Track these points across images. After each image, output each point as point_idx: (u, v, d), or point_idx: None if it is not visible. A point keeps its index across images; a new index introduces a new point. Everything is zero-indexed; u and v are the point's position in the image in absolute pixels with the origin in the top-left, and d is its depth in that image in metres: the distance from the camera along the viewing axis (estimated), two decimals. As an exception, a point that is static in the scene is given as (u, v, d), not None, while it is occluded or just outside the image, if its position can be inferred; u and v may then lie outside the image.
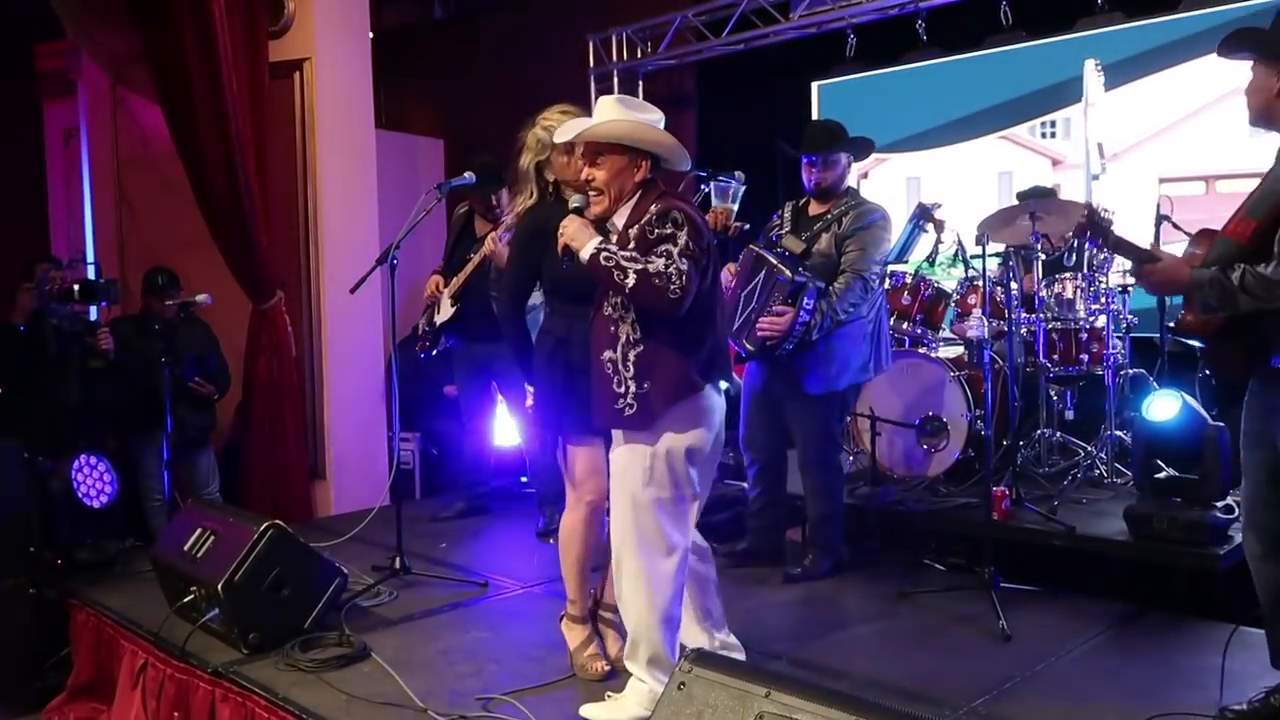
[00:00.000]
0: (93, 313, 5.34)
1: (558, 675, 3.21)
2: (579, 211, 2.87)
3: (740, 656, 3.06)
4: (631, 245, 2.74)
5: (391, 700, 3.03)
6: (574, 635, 3.28)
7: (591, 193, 2.85)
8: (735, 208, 3.54)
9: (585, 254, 2.74)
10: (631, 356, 2.76)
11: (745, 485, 4.59)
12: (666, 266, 2.65)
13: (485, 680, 3.19)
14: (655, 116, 2.87)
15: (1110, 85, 5.68)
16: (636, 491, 2.80)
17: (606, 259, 2.70)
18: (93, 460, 4.70)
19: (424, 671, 3.26)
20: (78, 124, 7.49)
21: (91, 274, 5.47)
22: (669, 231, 2.69)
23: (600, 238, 2.77)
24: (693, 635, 3.07)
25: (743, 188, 3.61)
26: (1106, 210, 3.34)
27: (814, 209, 4.23)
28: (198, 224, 5.55)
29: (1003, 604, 3.59)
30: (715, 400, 2.88)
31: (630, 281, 2.66)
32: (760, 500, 4.39)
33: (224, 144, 5.31)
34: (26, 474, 4.24)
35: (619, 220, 2.86)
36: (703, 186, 4.06)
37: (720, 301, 2.97)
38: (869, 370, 4.17)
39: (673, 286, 2.63)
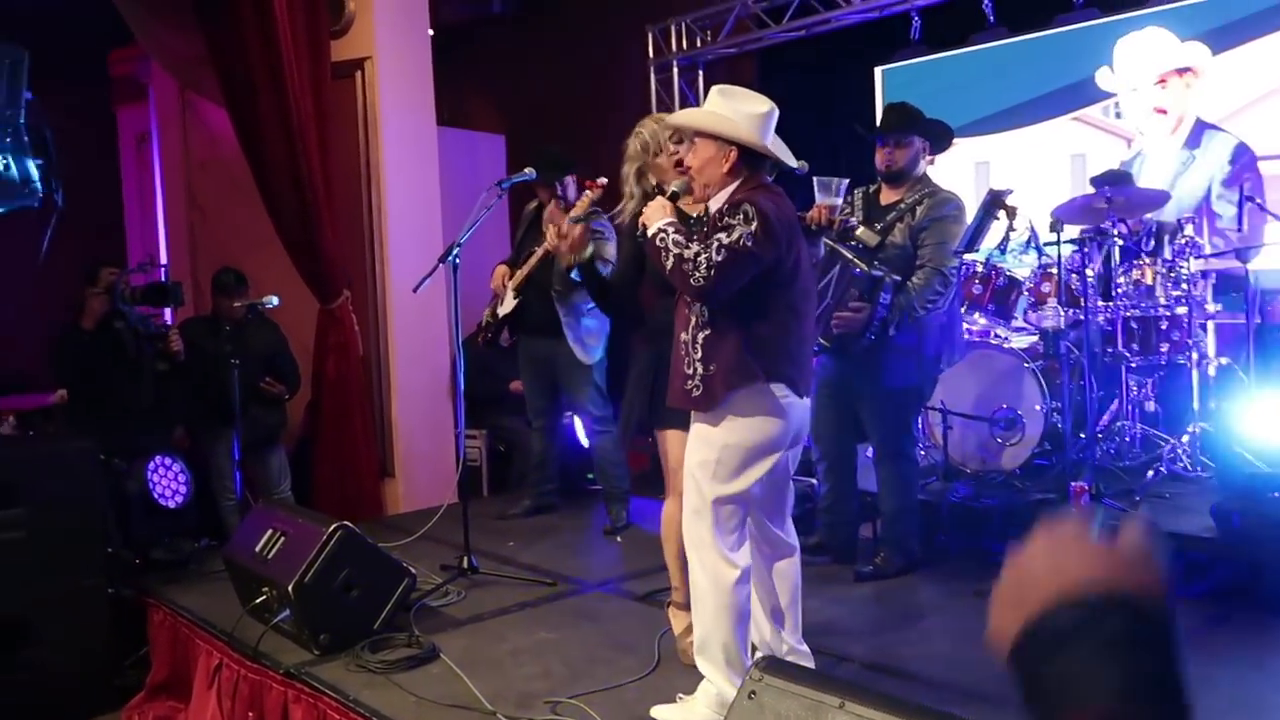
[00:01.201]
0: (168, 315, 5.44)
1: (626, 676, 3.18)
2: (675, 195, 2.96)
3: (809, 665, 3.00)
4: (706, 230, 2.81)
5: (460, 702, 3.03)
6: (678, 621, 3.32)
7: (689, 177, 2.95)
8: (839, 202, 3.48)
9: (650, 232, 2.84)
10: (700, 339, 2.81)
11: (814, 481, 4.52)
12: (698, 255, 2.69)
13: (553, 681, 3.18)
14: (751, 108, 2.84)
15: (1189, 62, 5.48)
16: (705, 485, 2.81)
17: (660, 240, 2.79)
18: (167, 461, 4.79)
19: (492, 673, 3.25)
20: (149, 128, 7.65)
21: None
22: (731, 222, 2.71)
23: (669, 219, 2.84)
24: (762, 635, 3.03)
25: (846, 182, 3.53)
26: None
27: (886, 196, 4.14)
28: (266, 225, 5.61)
29: (1084, 604, 3.46)
30: (786, 400, 2.82)
31: (668, 264, 2.76)
32: (830, 496, 4.32)
33: (288, 144, 5.36)
34: (103, 475, 4.32)
35: (714, 207, 2.89)
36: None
37: (800, 307, 2.89)
38: (943, 361, 4.08)
39: (697, 274, 2.68)
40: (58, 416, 5.25)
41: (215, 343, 5.13)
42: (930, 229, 3.93)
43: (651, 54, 7.18)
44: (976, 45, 6.17)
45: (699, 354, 2.80)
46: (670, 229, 2.79)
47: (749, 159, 2.85)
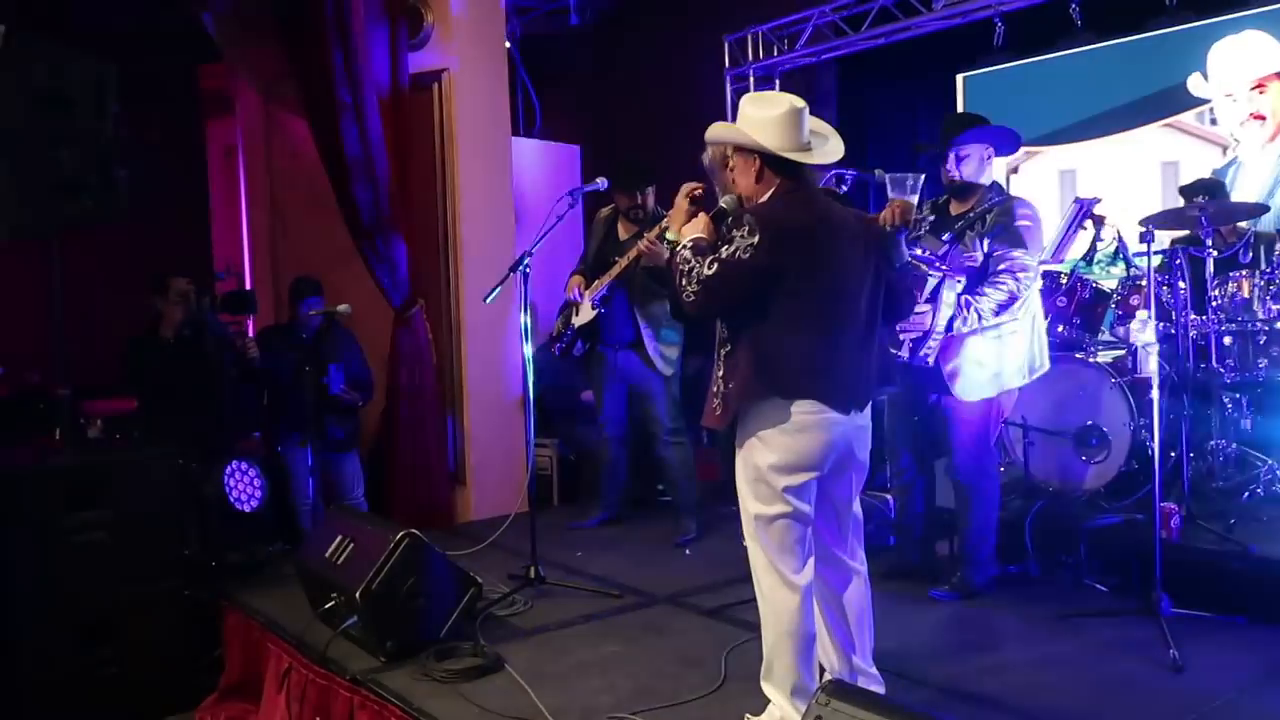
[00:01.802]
0: (249, 323, 5.55)
1: (692, 693, 3.12)
2: (722, 213, 2.92)
3: (879, 690, 2.90)
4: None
5: (523, 715, 3.01)
6: None
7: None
8: (915, 200, 3.37)
9: (678, 249, 2.86)
10: (722, 355, 2.80)
11: (889, 497, 4.40)
12: (692, 270, 2.70)
13: (618, 696, 3.14)
14: (769, 112, 2.77)
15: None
16: (749, 508, 2.79)
17: (678, 254, 2.80)
18: (244, 466, 4.87)
19: (556, 685, 3.22)
20: (236, 140, 7.83)
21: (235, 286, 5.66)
22: (732, 235, 2.70)
23: (696, 235, 2.84)
24: (830, 658, 2.94)
25: (922, 177, 3.43)
26: None
27: (954, 208, 4.03)
28: (344, 234, 5.68)
29: (1172, 632, 3.32)
30: (818, 417, 2.70)
31: (675, 281, 2.76)
32: (906, 513, 4.21)
33: (366, 155, 5.41)
34: (180, 480, 4.40)
35: None
36: (842, 187, 3.90)
37: (828, 319, 2.75)
38: (1026, 373, 3.94)
39: (689, 290, 2.70)
40: (139, 421, 5.37)
41: (291, 350, 5.20)
42: (999, 236, 3.82)
43: (728, 63, 7.13)
44: (1064, 51, 6.00)
45: (721, 371, 2.78)
46: (689, 245, 2.79)
47: (776, 165, 2.79)
